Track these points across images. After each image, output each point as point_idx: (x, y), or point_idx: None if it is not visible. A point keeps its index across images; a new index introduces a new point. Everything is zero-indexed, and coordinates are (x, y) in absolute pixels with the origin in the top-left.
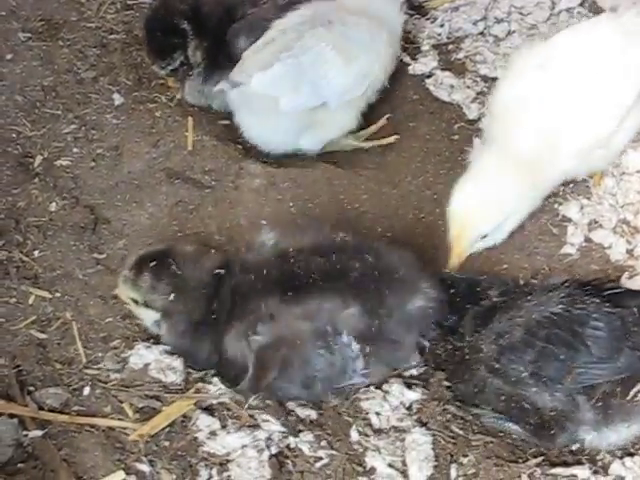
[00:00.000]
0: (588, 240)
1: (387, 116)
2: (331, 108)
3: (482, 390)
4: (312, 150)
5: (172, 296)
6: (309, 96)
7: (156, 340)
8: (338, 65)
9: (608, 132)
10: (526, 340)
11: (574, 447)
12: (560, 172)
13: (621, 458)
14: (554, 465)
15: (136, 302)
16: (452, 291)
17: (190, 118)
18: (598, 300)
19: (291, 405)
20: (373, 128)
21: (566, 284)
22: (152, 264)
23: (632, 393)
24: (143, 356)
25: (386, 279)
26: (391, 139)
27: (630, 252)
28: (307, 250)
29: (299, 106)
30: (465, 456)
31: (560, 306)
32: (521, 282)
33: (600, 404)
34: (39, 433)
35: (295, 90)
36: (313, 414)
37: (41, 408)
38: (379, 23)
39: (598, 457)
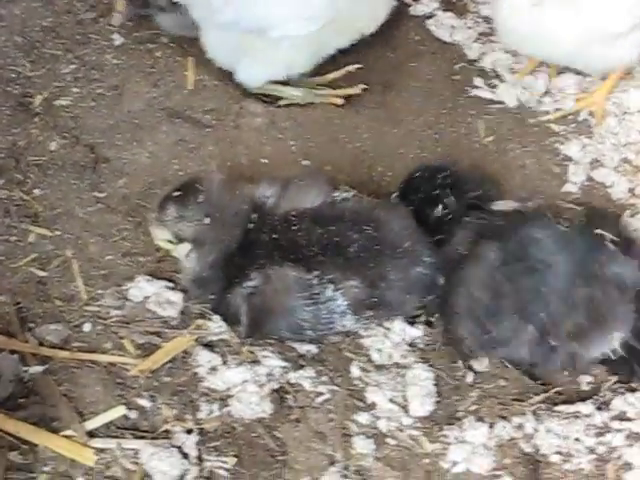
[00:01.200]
0: (590, 179)
1: (357, 66)
2: (272, 38)
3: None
4: (248, 84)
5: (206, 220)
6: (238, 17)
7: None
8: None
9: None
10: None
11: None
12: None
13: (623, 394)
14: (558, 402)
15: (171, 242)
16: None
17: (190, 58)
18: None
19: (290, 342)
20: (331, 76)
21: None
22: (176, 194)
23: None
24: (143, 289)
25: (387, 253)
26: (357, 89)
27: (632, 191)
28: (308, 218)
29: (226, 26)
30: (467, 393)
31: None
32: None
33: None
34: (40, 369)
35: (222, 7)
36: (313, 349)
37: (41, 344)
38: None
39: (600, 394)
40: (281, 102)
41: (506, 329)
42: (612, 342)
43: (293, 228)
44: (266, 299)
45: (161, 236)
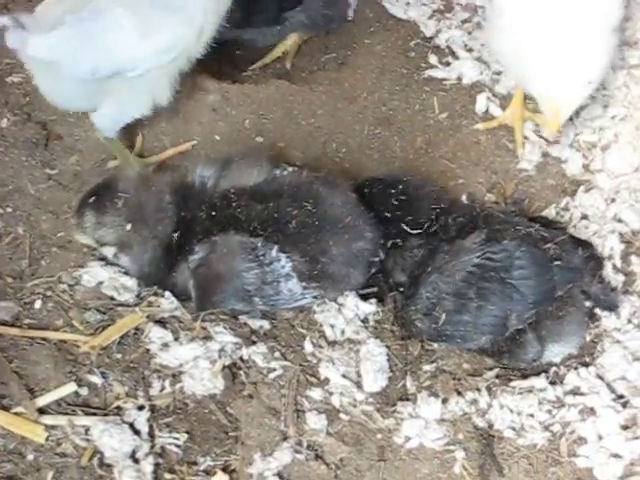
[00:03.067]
0: (545, 155)
1: (192, 143)
2: (131, 82)
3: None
4: (103, 132)
5: (127, 226)
6: (93, 66)
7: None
8: (132, 37)
9: None
10: (457, 305)
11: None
12: None
13: (576, 369)
14: (512, 378)
15: (94, 245)
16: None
17: None
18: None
19: (243, 318)
20: (169, 152)
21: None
22: (91, 200)
23: None
24: (97, 274)
25: (327, 229)
26: (187, 145)
27: (586, 167)
28: (247, 194)
29: (82, 75)
30: (421, 369)
31: (478, 254)
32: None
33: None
34: None
35: (76, 58)
36: (266, 324)
37: None
38: None
39: (554, 369)
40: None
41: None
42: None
43: (233, 205)
44: (211, 266)
45: (83, 240)
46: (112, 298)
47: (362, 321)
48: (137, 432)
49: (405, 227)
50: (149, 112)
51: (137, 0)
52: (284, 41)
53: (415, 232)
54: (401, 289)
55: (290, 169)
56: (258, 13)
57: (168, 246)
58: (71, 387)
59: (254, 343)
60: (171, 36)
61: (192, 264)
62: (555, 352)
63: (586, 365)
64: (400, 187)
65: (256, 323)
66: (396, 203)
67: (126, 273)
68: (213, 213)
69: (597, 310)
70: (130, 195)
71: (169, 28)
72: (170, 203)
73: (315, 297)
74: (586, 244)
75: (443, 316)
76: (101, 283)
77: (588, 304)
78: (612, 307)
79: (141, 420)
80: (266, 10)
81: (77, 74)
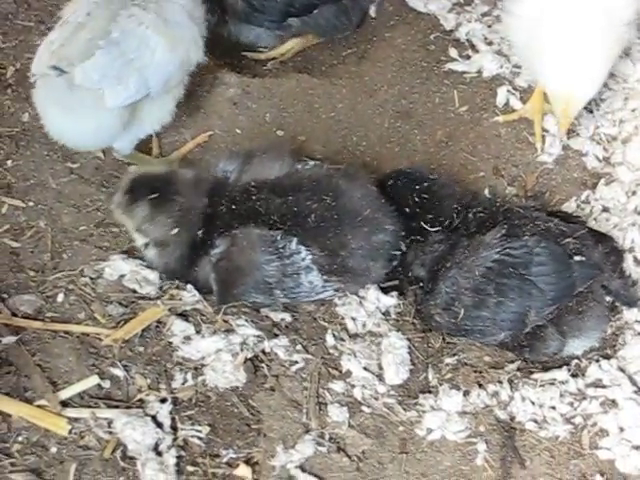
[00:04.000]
0: (566, 148)
1: (209, 133)
2: (152, 99)
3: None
4: (122, 152)
5: (175, 230)
6: (136, 87)
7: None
8: (163, 50)
9: None
10: (476, 301)
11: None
12: None
13: (597, 361)
14: (533, 370)
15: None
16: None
17: None
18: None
19: (265, 311)
20: (189, 146)
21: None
22: (152, 197)
23: None
24: (118, 267)
25: (347, 222)
26: (205, 136)
27: (607, 159)
28: (267, 187)
29: (127, 99)
30: (442, 362)
31: (497, 250)
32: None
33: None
34: (13, 339)
35: (121, 81)
36: (287, 317)
37: (14, 315)
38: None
39: (575, 361)
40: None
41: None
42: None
43: (253, 198)
44: (232, 259)
45: (122, 221)
46: (134, 291)
47: (383, 314)
48: (160, 425)
49: (425, 225)
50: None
51: (156, 18)
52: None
53: (435, 230)
54: (421, 283)
55: (312, 163)
56: (261, 12)
57: (193, 243)
58: (94, 380)
59: (276, 336)
60: (190, 48)
61: (214, 258)
62: (576, 346)
63: (608, 357)
64: (425, 184)
65: (278, 316)
66: (419, 200)
67: (148, 266)
68: (234, 207)
69: (618, 304)
70: (184, 200)
71: (187, 41)
72: (207, 206)
73: (336, 290)
74: (606, 238)
75: (462, 311)
76: (123, 276)
77: (608, 299)
78: (632, 302)
79: (163, 413)
80: (270, 12)
81: (121, 98)
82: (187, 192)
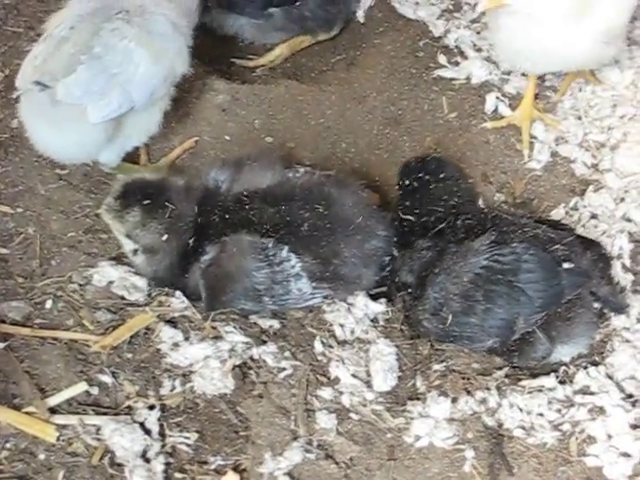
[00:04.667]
0: (554, 154)
1: (195, 139)
2: (138, 112)
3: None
4: (109, 164)
5: (165, 237)
6: (119, 102)
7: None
8: (147, 64)
9: None
10: (464, 307)
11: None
12: None
13: (585, 368)
14: (521, 377)
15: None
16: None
17: None
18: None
19: (253, 318)
20: (177, 152)
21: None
22: (145, 202)
23: None
24: (107, 274)
25: (340, 230)
26: (191, 142)
27: (595, 166)
28: (259, 197)
29: (110, 114)
30: (430, 368)
31: (486, 257)
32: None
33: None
34: (1, 345)
35: (104, 96)
36: (275, 324)
37: (2, 321)
38: (178, 10)
39: (563, 368)
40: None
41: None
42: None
43: (245, 207)
44: (221, 265)
45: (112, 225)
46: (122, 298)
47: (372, 321)
48: (148, 431)
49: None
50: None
51: (136, 30)
52: (274, 51)
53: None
54: (409, 289)
55: (302, 170)
56: None
57: (183, 250)
58: (82, 387)
59: (264, 343)
60: (175, 60)
61: (203, 264)
62: (564, 353)
63: (596, 364)
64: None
65: (266, 323)
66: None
67: (136, 272)
68: (227, 216)
69: (606, 311)
70: (175, 207)
71: (172, 53)
72: (198, 215)
73: (325, 297)
74: (594, 244)
75: (450, 317)
76: (112, 282)
77: (597, 305)
78: (620, 309)
79: (152, 419)
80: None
81: (104, 113)
82: (178, 200)
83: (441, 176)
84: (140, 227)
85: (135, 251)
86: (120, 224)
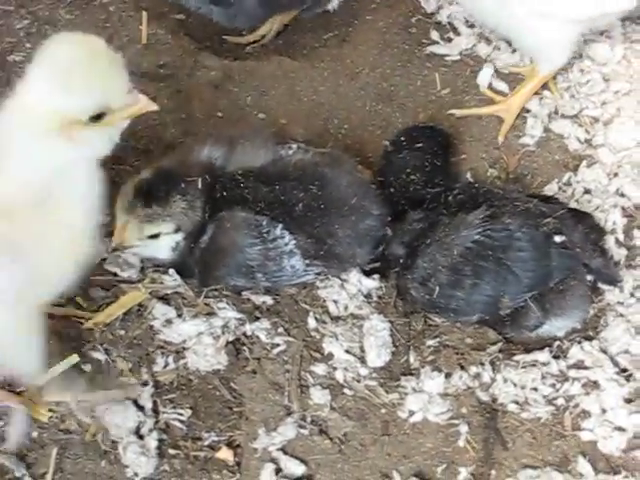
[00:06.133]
0: (547, 130)
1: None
2: None
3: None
4: None
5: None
6: None
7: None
8: None
9: None
10: (452, 280)
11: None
12: None
13: (579, 343)
14: (515, 352)
15: (151, 237)
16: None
17: (144, 12)
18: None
19: (246, 294)
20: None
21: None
22: (182, 186)
23: None
24: (99, 250)
25: (334, 211)
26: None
27: (588, 141)
28: (254, 176)
29: None
30: (424, 344)
31: (479, 231)
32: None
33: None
34: None
35: None
36: (268, 300)
37: None
38: None
39: (557, 343)
40: None
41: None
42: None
43: (240, 186)
44: (215, 241)
45: (140, 234)
46: (115, 274)
47: (365, 296)
48: (141, 408)
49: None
50: None
51: None
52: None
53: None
54: (401, 260)
55: (295, 146)
56: None
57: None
58: (74, 359)
59: (257, 319)
60: None
61: (203, 243)
62: (558, 326)
63: (589, 339)
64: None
65: (259, 299)
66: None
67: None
68: (224, 194)
69: (600, 284)
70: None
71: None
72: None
73: (318, 274)
74: (586, 216)
75: (437, 288)
76: (104, 260)
77: (589, 278)
78: (613, 281)
79: (145, 396)
80: None
81: None
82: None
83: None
84: (187, 210)
85: (177, 243)
86: (153, 224)
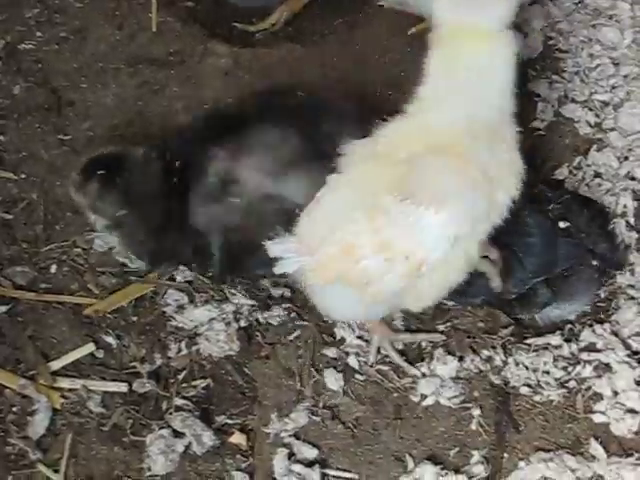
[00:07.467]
0: (557, 114)
1: None
2: None
3: None
4: None
5: (121, 212)
6: None
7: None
8: None
9: None
10: None
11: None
12: None
13: (591, 326)
14: (527, 335)
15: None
16: None
17: (154, 0)
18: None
19: (265, 284)
20: None
21: None
22: (100, 173)
23: None
24: (108, 239)
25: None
26: None
27: (598, 125)
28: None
29: None
30: (436, 328)
31: None
32: None
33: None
34: (3, 309)
35: None
36: (286, 292)
37: (7, 286)
38: None
39: (569, 326)
40: None
41: None
42: None
43: None
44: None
45: (77, 200)
46: (124, 265)
47: None
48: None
49: None
50: None
51: None
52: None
53: None
54: None
55: None
56: None
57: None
58: (89, 347)
59: (270, 305)
60: None
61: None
62: (568, 310)
63: (601, 322)
64: None
65: (276, 291)
66: None
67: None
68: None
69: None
70: (134, 177)
71: None
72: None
73: None
74: (591, 201)
75: None
76: (112, 249)
77: (595, 262)
78: (619, 266)
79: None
80: None
81: None
82: (134, 171)
83: None
84: (99, 200)
85: (108, 228)
86: (81, 197)
